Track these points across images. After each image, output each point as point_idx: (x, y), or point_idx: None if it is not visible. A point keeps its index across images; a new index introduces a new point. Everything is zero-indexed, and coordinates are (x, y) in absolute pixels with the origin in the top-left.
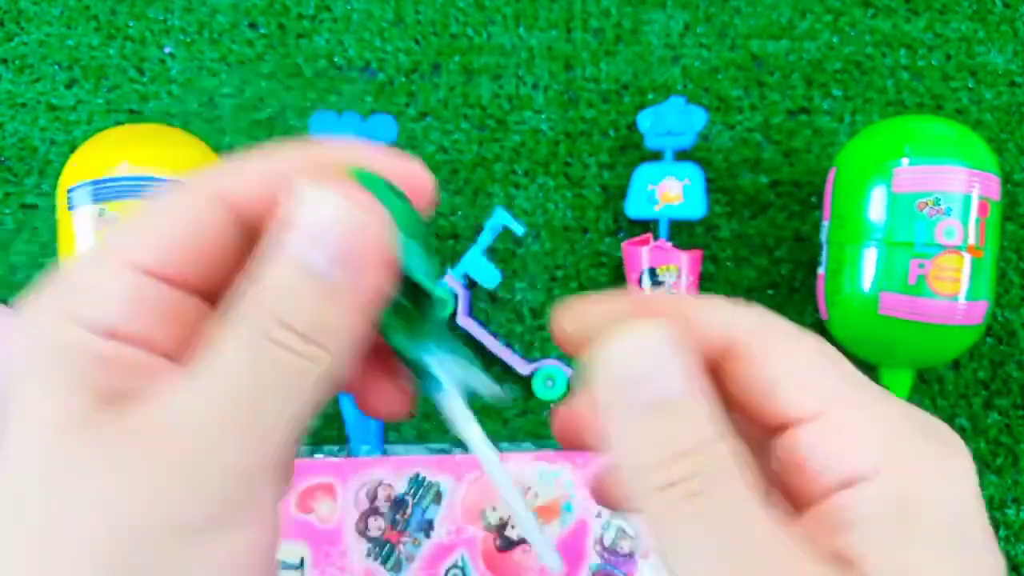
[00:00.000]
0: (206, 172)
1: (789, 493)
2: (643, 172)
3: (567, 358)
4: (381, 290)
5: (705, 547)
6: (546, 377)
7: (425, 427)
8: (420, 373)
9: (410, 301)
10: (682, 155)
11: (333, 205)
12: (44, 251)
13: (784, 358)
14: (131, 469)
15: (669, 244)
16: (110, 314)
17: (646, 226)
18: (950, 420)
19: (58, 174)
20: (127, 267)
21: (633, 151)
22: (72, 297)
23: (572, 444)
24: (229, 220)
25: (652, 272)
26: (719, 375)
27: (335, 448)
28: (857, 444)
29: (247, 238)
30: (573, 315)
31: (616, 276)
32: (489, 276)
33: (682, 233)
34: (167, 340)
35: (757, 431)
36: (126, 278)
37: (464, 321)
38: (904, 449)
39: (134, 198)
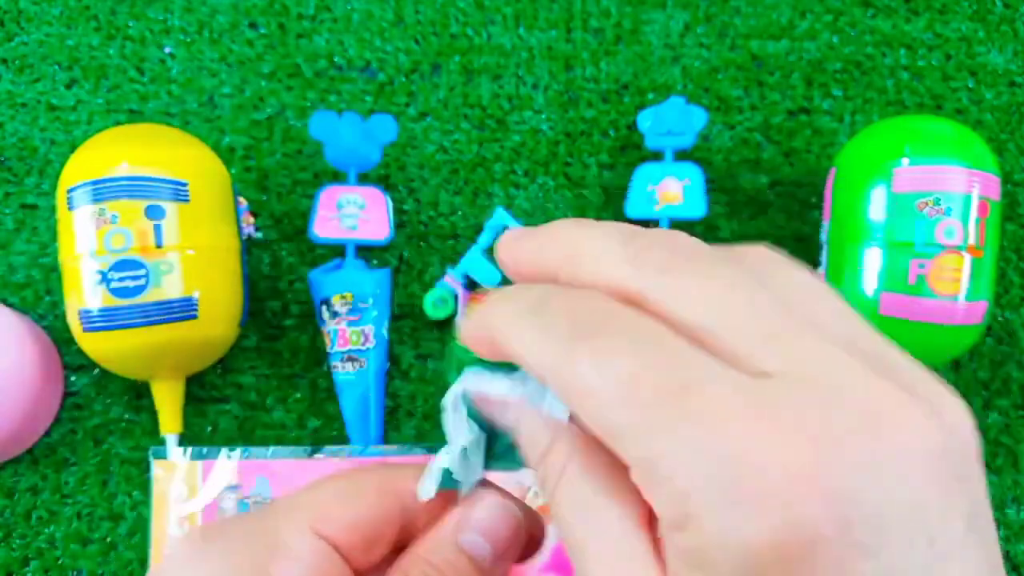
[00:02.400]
0: (392, 470)
1: None
2: (643, 172)
3: None
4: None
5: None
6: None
7: (425, 427)
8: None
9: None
10: (682, 155)
11: (497, 502)
12: (44, 251)
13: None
14: None
15: None
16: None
17: (646, 226)
18: None
19: (58, 174)
20: (318, 536)
21: (633, 151)
22: (267, 555)
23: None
24: (400, 519)
25: None
26: None
27: (335, 448)
28: None
29: (403, 533)
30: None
31: None
32: (489, 276)
33: None
34: None
35: None
36: (316, 544)
37: None
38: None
39: (134, 198)
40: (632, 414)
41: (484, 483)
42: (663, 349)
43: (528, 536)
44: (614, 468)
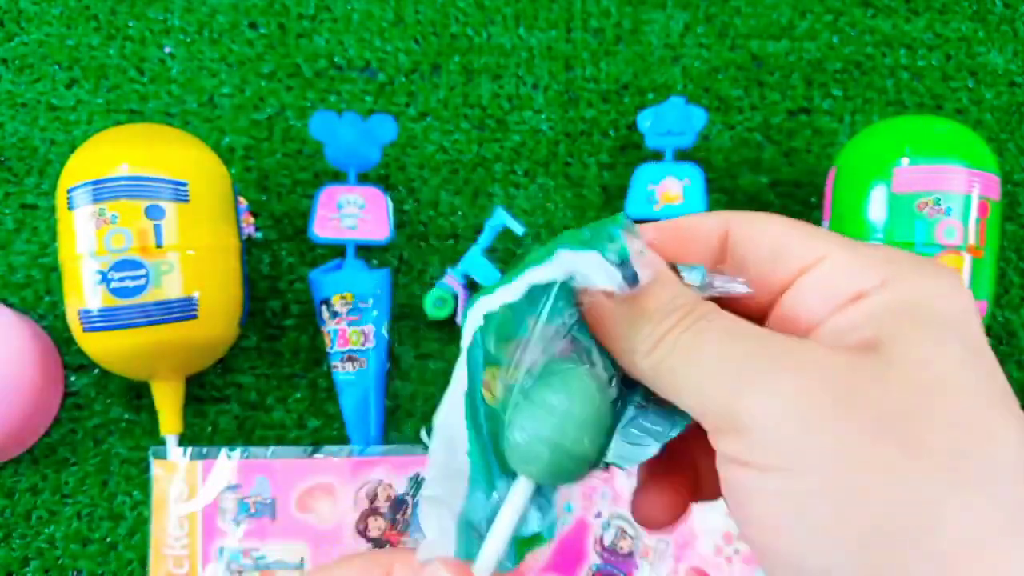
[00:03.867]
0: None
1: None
2: (643, 172)
3: None
4: None
5: (717, 358)
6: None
7: (426, 427)
8: None
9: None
10: (682, 155)
11: None
12: (44, 251)
13: (774, 227)
14: None
15: None
16: None
17: None
18: None
19: (58, 174)
20: None
21: (633, 151)
22: None
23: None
24: None
25: None
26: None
27: (335, 448)
28: (861, 269)
29: None
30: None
31: None
32: (489, 276)
33: None
34: None
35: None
36: None
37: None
38: (905, 267)
39: (134, 198)
40: None
41: None
42: None
43: None
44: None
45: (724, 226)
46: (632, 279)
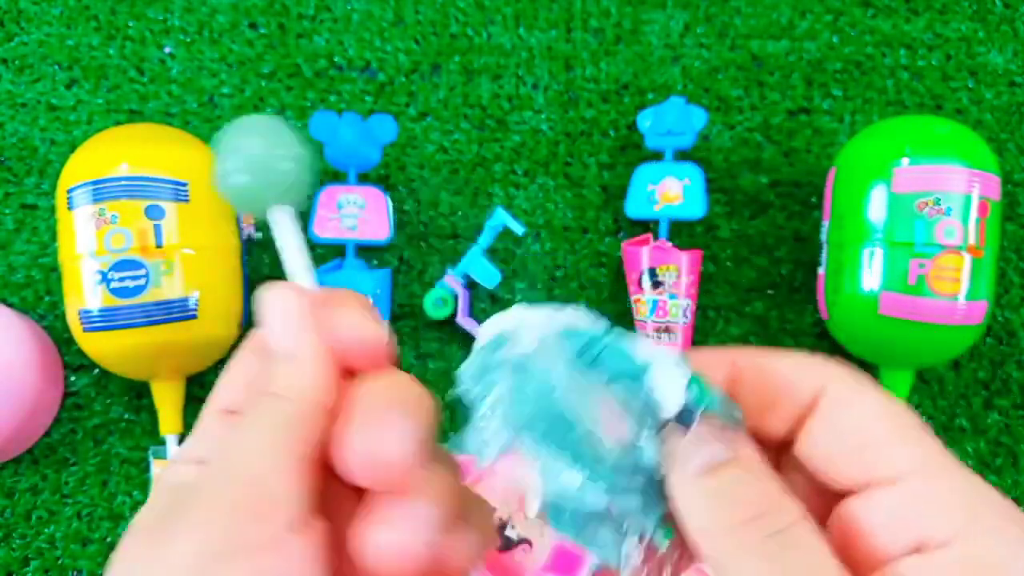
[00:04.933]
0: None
1: (848, 559)
2: (643, 172)
3: None
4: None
5: None
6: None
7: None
8: None
9: None
10: (682, 155)
11: (279, 295)
12: (44, 251)
13: (868, 420)
14: None
15: (669, 244)
16: None
17: (646, 226)
18: (950, 420)
19: (58, 174)
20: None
21: (633, 151)
22: None
23: None
24: None
25: (652, 272)
26: (790, 434)
27: None
28: (936, 512)
29: None
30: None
31: (616, 276)
32: (489, 276)
33: (682, 233)
34: None
35: (815, 496)
36: None
37: (464, 321)
38: (981, 522)
39: (134, 198)
40: None
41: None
42: None
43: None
44: None
45: (818, 391)
46: (688, 420)
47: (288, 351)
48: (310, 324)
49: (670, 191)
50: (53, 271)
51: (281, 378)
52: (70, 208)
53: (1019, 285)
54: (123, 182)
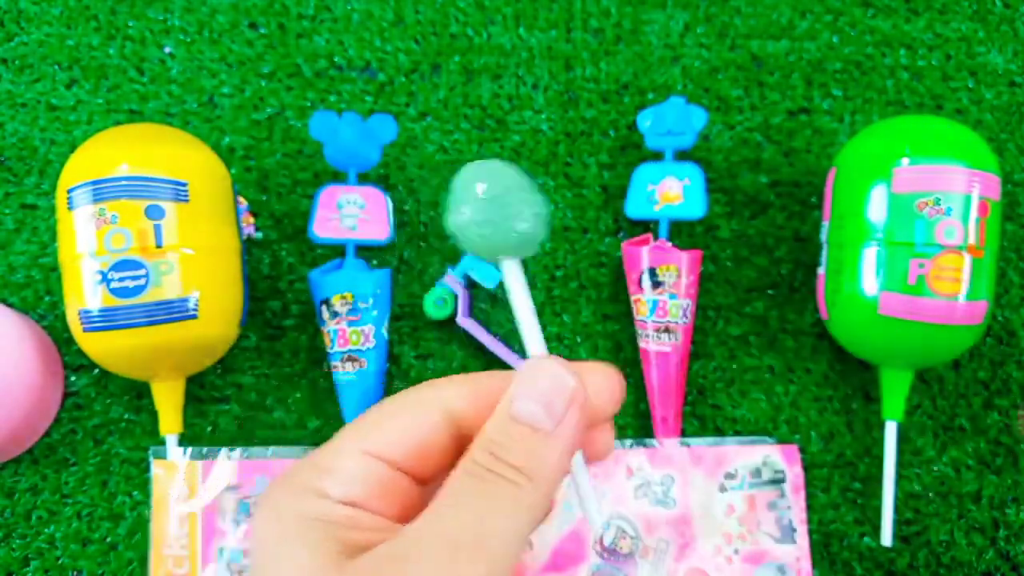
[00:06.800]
0: (434, 385)
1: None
2: (643, 172)
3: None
4: (581, 434)
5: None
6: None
7: None
8: None
9: None
10: (682, 155)
11: (546, 369)
12: (44, 251)
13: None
14: None
15: (669, 244)
16: (351, 488)
17: (646, 226)
18: (950, 420)
19: (58, 174)
20: (365, 455)
21: (633, 151)
22: (319, 478)
23: None
24: (447, 427)
25: (652, 272)
26: None
27: None
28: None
29: (460, 441)
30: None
31: (616, 276)
32: (489, 276)
33: (682, 233)
34: (392, 510)
35: None
36: (364, 462)
37: (464, 321)
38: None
39: (134, 198)
40: None
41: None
42: None
43: (596, 405)
44: None
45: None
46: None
47: (548, 430)
48: (577, 411)
49: (670, 191)
50: (53, 271)
51: (535, 458)
52: (70, 208)
53: (1019, 285)
54: (123, 182)
